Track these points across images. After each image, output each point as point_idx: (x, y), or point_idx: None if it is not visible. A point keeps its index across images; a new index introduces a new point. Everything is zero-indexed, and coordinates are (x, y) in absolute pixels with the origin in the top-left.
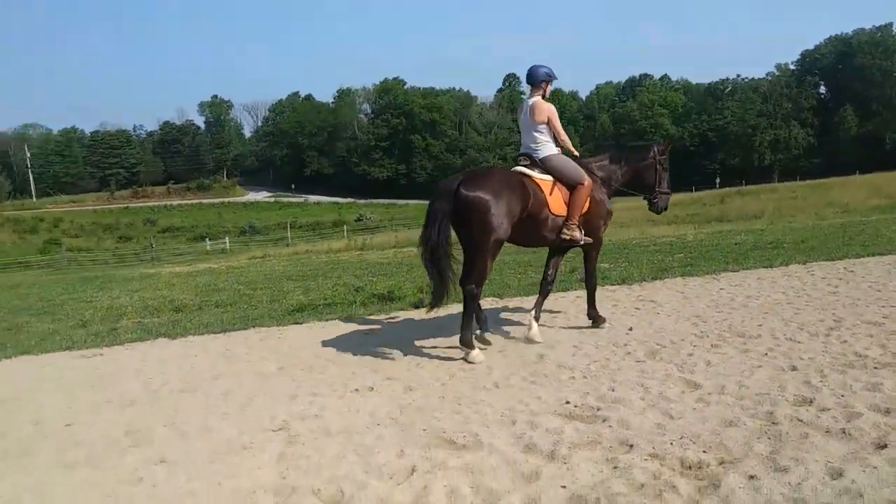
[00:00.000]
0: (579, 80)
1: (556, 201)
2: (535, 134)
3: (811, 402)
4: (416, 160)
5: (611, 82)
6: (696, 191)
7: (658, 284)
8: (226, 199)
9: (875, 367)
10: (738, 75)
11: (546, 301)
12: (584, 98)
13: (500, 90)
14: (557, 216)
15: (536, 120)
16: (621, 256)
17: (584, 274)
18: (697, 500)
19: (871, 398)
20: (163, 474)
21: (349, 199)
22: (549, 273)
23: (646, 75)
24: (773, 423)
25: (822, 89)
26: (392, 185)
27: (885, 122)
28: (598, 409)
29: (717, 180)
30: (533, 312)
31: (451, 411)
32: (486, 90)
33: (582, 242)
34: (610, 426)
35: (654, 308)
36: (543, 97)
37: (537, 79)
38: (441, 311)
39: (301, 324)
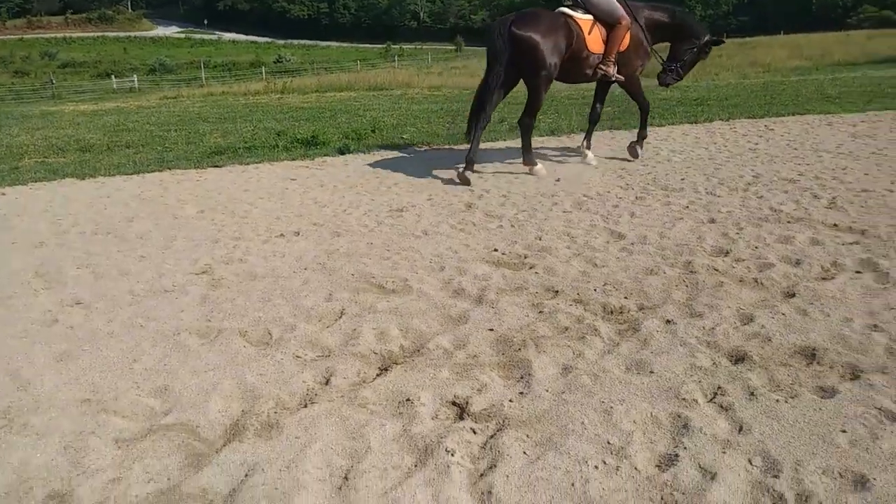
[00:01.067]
0: None
1: (595, 39)
2: None
3: (727, 253)
4: None
5: None
6: None
7: None
8: (131, 33)
9: (788, 222)
10: None
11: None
12: None
13: None
14: (595, 53)
15: None
16: (550, 108)
17: (637, 104)
18: (618, 342)
19: (783, 250)
20: (79, 316)
21: (267, 39)
22: (597, 107)
23: None
24: (691, 272)
25: None
26: (313, 25)
27: None
28: (525, 257)
29: (648, 36)
30: (584, 143)
31: (379, 257)
32: None
33: (613, 79)
34: (536, 273)
35: (581, 160)
36: None
37: None
38: (367, 157)
39: (220, 167)
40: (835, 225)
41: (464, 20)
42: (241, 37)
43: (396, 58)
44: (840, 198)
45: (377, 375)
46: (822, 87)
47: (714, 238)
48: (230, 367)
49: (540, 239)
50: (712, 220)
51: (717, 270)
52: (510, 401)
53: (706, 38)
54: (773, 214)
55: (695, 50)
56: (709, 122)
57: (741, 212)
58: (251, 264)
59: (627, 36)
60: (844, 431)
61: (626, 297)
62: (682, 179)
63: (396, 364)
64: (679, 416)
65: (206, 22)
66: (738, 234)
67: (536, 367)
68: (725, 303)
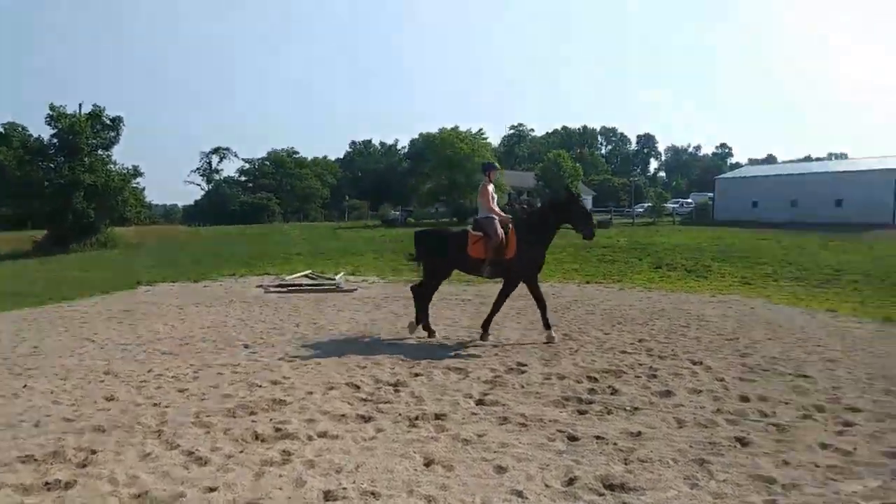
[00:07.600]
0: None
1: (477, 248)
2: (479, 204)
3: None
4: None
5: None
6: None
7: None
8: None
9: None
10: None
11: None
12: None
13: None
14: (475, 258)
15: (480, 195)
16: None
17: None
18: None
19: None
20: None
21: None
22: (533, 293)
23: None
24: None
25: None
26: None
27: None
28: None
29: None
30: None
31: None
32: None
33: (484, 275)
34: None
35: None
36: (489, 181)
37: (484, 170)
38: None
39: None
40: None
41: None
42: None
43: None
44: None
45: None
46: None
47: None
48: None
49: None
50: None
51: None
52: None
53: (565, 197)
54: None
55: (575, 209)
56: None
57: None
58: None
59: (513, 245)
60: None
61: None
62: None
63: None
64: None
65: None
66: None
67: None
68: None
